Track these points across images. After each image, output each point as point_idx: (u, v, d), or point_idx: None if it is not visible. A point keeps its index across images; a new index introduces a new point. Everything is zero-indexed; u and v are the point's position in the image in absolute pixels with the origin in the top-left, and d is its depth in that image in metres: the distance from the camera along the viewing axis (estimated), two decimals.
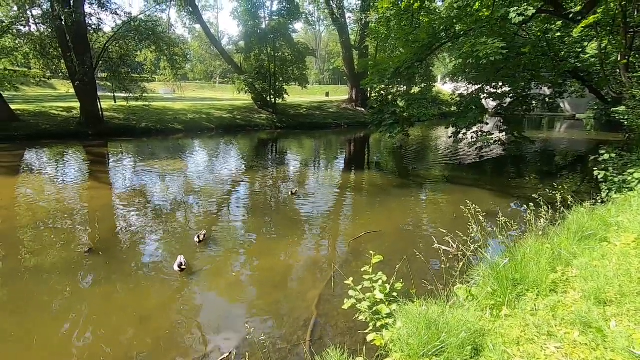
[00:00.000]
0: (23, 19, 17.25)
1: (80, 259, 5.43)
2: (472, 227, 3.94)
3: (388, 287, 2.96)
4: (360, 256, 5.44)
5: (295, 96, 36.74)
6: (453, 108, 16.64)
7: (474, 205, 4.32)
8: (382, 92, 15.01)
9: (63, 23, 16.18)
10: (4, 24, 16.77)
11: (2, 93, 17.31)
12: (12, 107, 17.73)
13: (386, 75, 13.14)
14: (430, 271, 3.46)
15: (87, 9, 17.84)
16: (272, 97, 25.47)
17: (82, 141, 16.87)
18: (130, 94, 19.49)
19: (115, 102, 22.47)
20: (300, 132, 24.17)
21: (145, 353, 3.53)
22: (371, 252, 3.15)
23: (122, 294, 4.58)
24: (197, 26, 28.24)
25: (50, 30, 17.21)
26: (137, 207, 8.08)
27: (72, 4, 16.23)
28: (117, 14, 18.50)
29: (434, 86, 16.36)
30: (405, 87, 16.27)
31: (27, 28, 18.18)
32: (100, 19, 18.43)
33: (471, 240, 3.88)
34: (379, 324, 2.78)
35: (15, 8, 17.12)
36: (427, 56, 13.70)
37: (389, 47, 22.79)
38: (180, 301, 4.48)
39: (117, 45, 19.22)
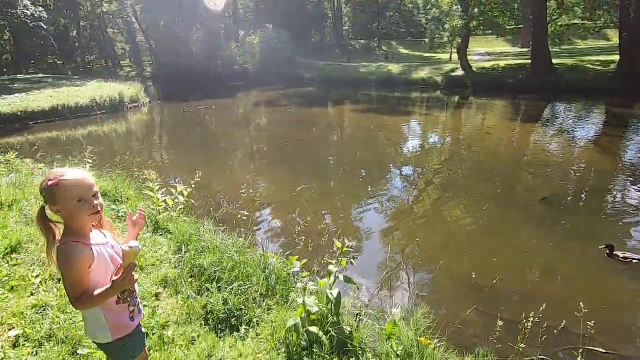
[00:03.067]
0: None
1: (533, 204, 6.05)
2: None
3: None
4: None
5: None
6: None
7: None
8: None
9: None
10: None
11: (550, 48, 19.29)
12: (553, 61, 19.46)
13: None
14: None
15: None
16: None
17: (607, 98, 15.77)
18: None
19: None
20: None
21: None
22: None
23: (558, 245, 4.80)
24: None
25: None
26: (622, 180, 7.12)
27: None
28: None
29: None
30: None
31: None
32: None
33: None
34: None
35: None
36: None
37: None
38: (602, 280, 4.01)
39: None
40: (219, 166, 9.03)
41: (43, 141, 11.37)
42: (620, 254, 4.26)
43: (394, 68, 25.79)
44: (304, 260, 3.22)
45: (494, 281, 3.92)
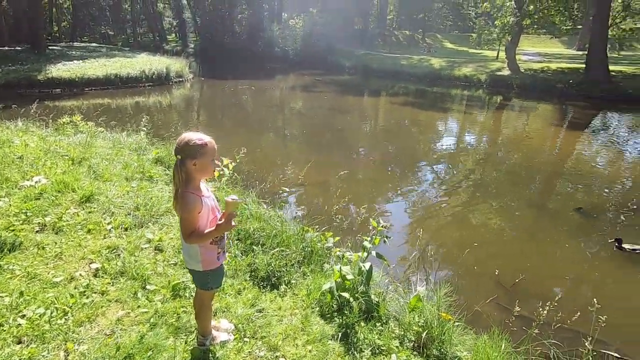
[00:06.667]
0: None
1: (567, 213, 6.00)
2: None
3: None
4: None
5: None
6: None
7: None
8: None
9: None
10: None
11: (608, 54, 18.13)
12: (611, 68, 18.27)
13: None
14: None
15: None
16: None
17: None
18: None
19: None
20: None
21: None
22: None
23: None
24: None
25: None
26: None
27: None
28: None
29: None
30: None
31: None
32: None
33: None
34: None
35: None
36: None
37: None
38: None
39: None
40: (256, 146, 9.44)
41: (98, 107, 12.24)
42: (628, 246, 4.59)
43: (437, 63, 25.16)
44: (337, 238, 3.50)
45: (517, 280, 4.05)
